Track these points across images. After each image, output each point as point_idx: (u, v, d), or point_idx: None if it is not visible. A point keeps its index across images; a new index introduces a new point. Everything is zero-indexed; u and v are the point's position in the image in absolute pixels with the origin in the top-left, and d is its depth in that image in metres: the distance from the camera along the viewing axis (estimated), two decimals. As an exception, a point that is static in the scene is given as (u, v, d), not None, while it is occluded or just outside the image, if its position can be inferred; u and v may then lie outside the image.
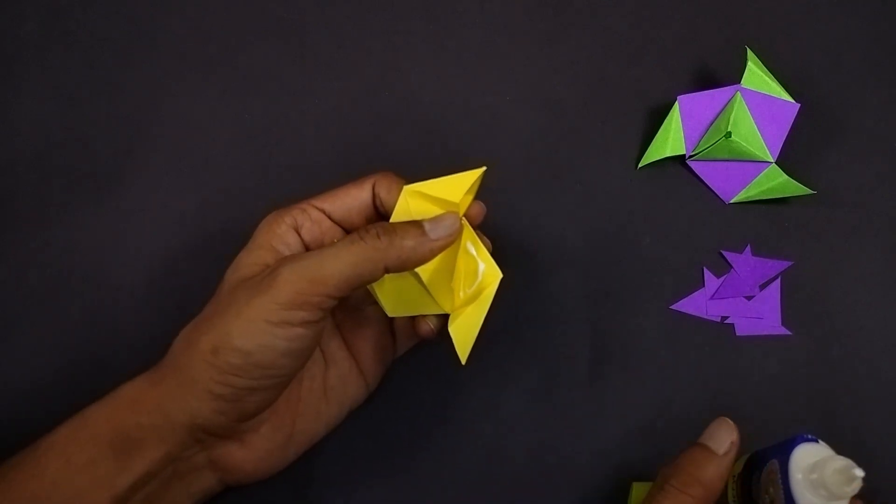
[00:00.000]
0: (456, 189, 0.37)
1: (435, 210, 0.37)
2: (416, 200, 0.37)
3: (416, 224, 0.36)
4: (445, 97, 0.49)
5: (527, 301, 0.45)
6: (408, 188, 0.37)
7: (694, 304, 0.45)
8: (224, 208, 0.46)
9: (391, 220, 0.37)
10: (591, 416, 0.43)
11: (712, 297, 0.45)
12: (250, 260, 0.37)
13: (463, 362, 0.36)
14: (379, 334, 0.41)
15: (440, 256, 0.37)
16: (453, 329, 0.37)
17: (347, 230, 0.39)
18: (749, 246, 0.46)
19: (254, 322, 0.33)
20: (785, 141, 0.45)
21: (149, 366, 0.37)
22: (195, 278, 0.45)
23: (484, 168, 0.37)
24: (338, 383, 0.39)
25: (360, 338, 0.40)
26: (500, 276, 0.38)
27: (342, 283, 0.34)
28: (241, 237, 0.38)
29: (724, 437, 0.35)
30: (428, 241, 0.35)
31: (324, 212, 0.38)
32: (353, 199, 0.39)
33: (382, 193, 0.38)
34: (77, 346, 0.43)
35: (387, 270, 0.35)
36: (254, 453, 0.36)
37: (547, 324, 0.44)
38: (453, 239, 0.36)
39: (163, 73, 0.49)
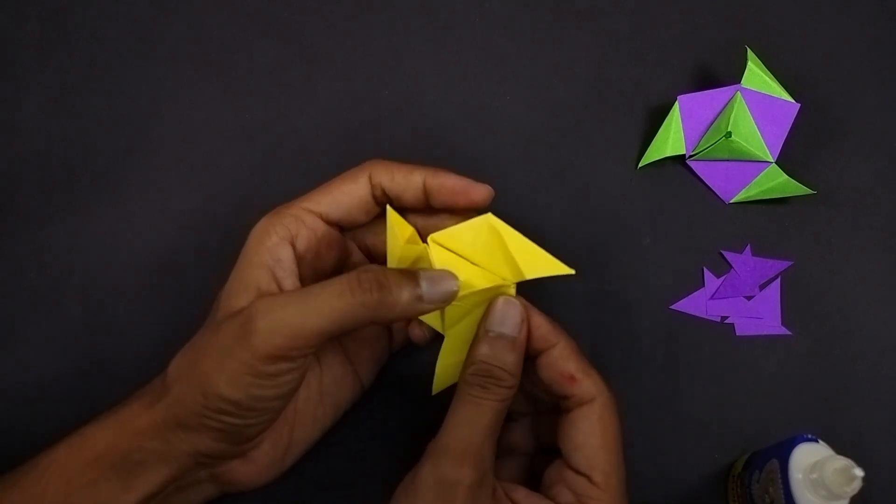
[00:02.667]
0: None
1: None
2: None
3: (412, 279, 0.33)
4: (445, 97, 0.49)
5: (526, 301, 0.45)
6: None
7: (694, 304, 0.45)
8: (224, 208, 0.46)
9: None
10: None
11: (712, 297, 0.45)
12: (243, 283, 0.35)
13: (573, 272, 0.35)
14: (376, 334, 0.40)
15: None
16: (530, 272, 0.35)
17: (347, 228, 0.38)
18: (749, 246, 0.46)
19: (237, 375, 0.32)
20: (785, 141, 0.45)
21: (149, 366, 0.37)
22: (195, 278, 0.45)
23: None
24: (333, 388, 0.39)
25: (358, 341, 0.40)
26: (489, 214, 0.35)
27: (324, 336, 0.32)
28: (241, 237, 0.37)
29: (511, 316, 0.35)
30: (421, 304, 0.33)
31: (320, 216, 0.36)
32: (349, 197, 0.37)
33: (385, 182, 0.36)
34: (77, 346, 0.43)
35: (373, 324, 0.33)
36: (255, 467, 0.36)
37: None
38: (447, 304, 0.34)
39: (163, 73, 0.49)
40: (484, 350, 0.34)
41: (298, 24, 0.50)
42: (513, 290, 0.36)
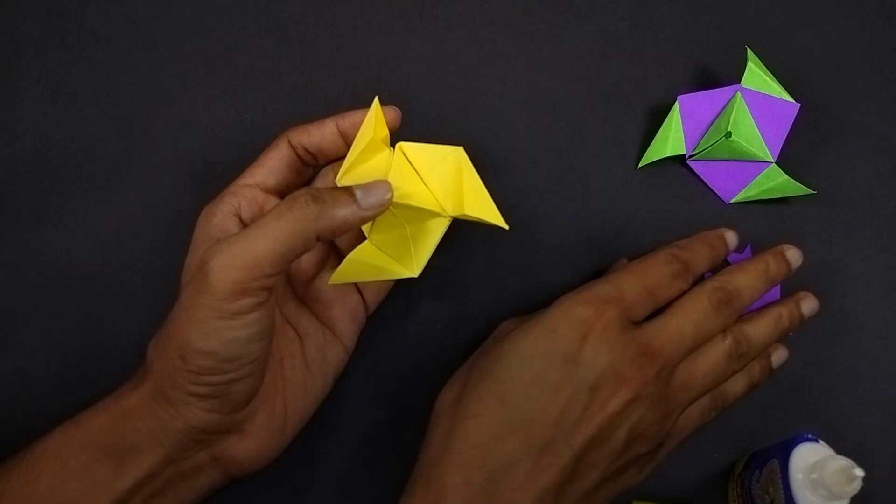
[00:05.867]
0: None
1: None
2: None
3: (347, 191, 0.35)
4: (445, 97, 0.48)
5: (526, 301, 0.45)
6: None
7: None
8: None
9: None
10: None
11: None
12: (196, 260, 0.36)
13: (507, 227, 0.37)
14: (344, 297, 0.40)
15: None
16: (470, 211, 0.36)
17: (285, 194, 0.39)
18: (749, 246, 0.46)
19: (206, 322, 0.32)
20: (785, 141, 0.45)
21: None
22: (195, 278, 0.45)
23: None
24: (317, 355, 0.39)
25: (326, 305, 0.40)
26: (461, 148, 0.38)
27: (276, 260, 0.33)
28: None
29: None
30: (360, 210, 0.35)
31: (257, 186, 0.38)
32: (276, 161, 0.39)
33: (304, 140, 0.39)
34: (77, 346, 0.43)
35: (318, 239, 0.34)
36: (254, 443, 0.36)
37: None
38: (384, 209, 0.36)
39: (162, 73, 0.49)
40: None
41: (298, 24, 0.50)
42: (446, 223, 0.38)
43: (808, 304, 0.42)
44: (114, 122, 0.48)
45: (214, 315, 0.32)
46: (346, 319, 0.41)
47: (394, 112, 0.39)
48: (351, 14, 0.50)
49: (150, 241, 0.45)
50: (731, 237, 0.43)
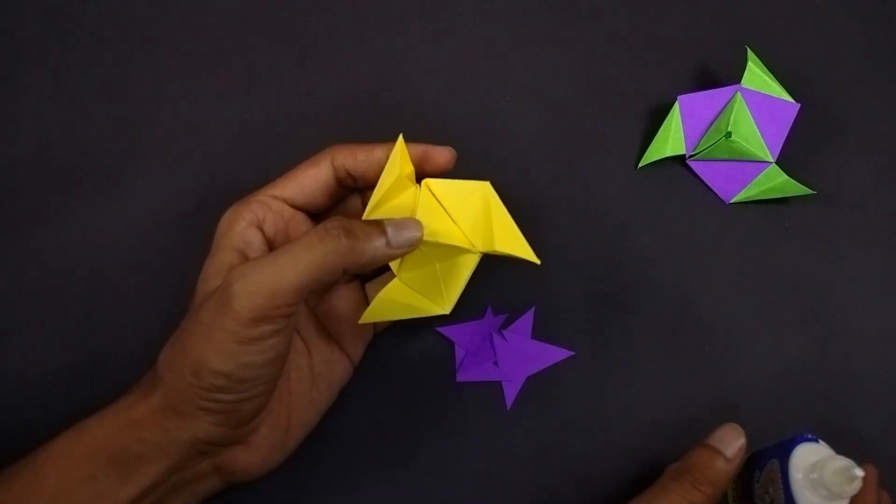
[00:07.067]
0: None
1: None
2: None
3: (378, 227, 0.35)
4: (445, 97, 0.48)
5: (527, 301, 0.45)
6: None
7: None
8: (224, 208, 0.46)
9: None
10: (591, 416, 0.43)
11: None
12: (216, 267, 0.36)
13: (538, 262, 0.36)
14: (354, 312, 0.40)
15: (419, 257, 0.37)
16: (501, 247, 0.36)
17: (312, 213, 0.39)
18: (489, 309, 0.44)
19: (223, 344, 0.32)
20: (785, 141, 0.45)
21: (148, 366, 0.37)
22: (195, 278, 0.44)
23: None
24: (324, 368, 0.39)
25: (336, 319, 0.40)
26: (487, 182, 0.37)
27: (301, 291, 0.33)
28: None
29: (733, 441, 0.36)
30: (389, 249, 0.35)
31: (286, 201, 0.38)
32: (312, 180, 0.38)
33: (348, 163, 0.37)
34: (77, 346, 0.43)
35: (345, 273, 0.34)
36: (257, 454, 0.36)
37: (547, 323, 0.44)
38: (414, 248, 0.35)
39: (162, 73, 0.49)
40: None
41: (298, 25, 0.50)
42: (476, 259, 0.37)
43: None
44: (114, 122, 0.48)
45: (233, 339, 0.32)
46: (356, 335, 0.40)
47: (448, 153, 0.38)
48: (351, 14, 0.50)
49: (149, 241, 0.45)
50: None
